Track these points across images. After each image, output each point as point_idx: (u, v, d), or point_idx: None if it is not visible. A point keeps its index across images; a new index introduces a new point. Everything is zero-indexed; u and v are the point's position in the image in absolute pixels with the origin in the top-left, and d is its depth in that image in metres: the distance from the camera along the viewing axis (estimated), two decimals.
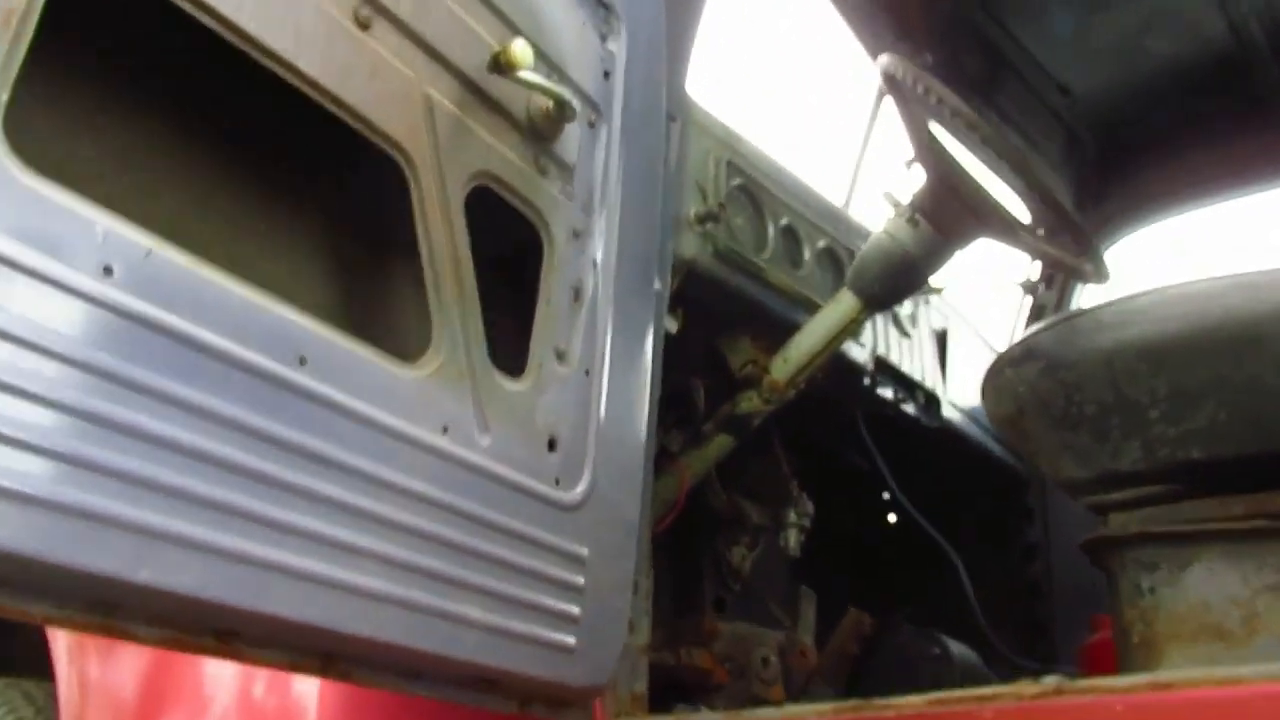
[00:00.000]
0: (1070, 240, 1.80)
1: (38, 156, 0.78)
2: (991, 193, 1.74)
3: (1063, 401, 1.39)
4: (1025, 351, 1.51)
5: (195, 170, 1.09)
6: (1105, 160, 2.74)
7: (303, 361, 0.93)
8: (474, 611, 1.06)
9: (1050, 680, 0.97)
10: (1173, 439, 1.29)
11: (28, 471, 0.73)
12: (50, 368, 0.75)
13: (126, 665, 1.59)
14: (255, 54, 0.94)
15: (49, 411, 0.75)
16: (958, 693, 1.03)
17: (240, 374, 0.88)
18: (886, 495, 2.36)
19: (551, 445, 1.20)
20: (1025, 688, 0.97)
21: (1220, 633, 1.22)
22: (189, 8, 0.89)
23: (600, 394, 1.29)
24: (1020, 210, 1.82)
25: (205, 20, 0.90)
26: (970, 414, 2.35)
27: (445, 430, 1.06)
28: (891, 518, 2.49)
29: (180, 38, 0.93)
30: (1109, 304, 1.46)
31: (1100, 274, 1.75)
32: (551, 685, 1.17)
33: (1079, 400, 1.37)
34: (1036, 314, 2.70)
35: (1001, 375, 1.54)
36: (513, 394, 1.16)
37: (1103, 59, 2.56)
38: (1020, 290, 2.70)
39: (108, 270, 0.80)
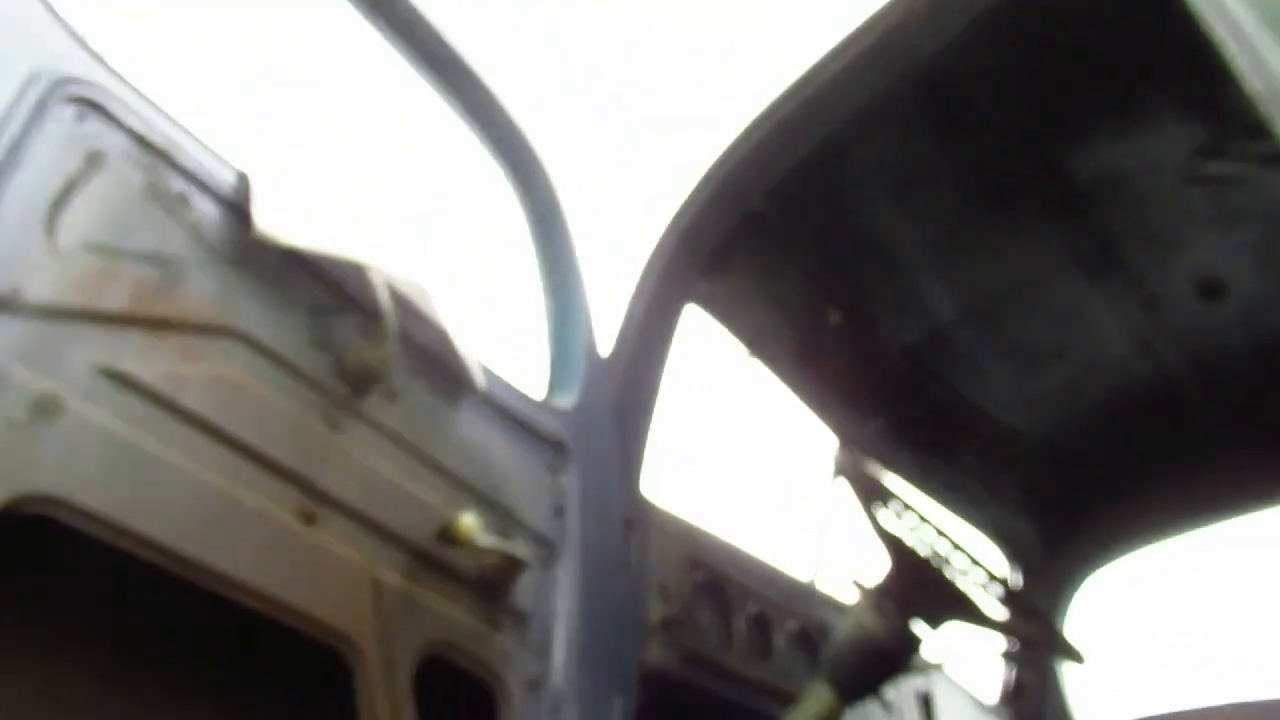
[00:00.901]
0: (1036, 623, 1.79)
1: None
2: (954, 578, 1.75)
3: None
4: None
5: (129, 682, 1.07)
6: (1066, 500, 2.78)
7: None
8: None
9: None
10: None
11: None
12: None
13: None
14: (195, 577, 0.96)
15: None
16: None
17: None
18: None
19: None
20: None
21: None
22: (128, 545, 0.91)
23: None
24: (986, 555, 1.83)
25: (143, 553, 0.92)
26: None
27: None
28: None
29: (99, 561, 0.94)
30: None
31: (1073, 654, 1.73)
32: None
33: None
34: (1019, 688, 2.65)
35: None
36: None
37: (1048, 405, 2.66)
38: (1002, 660, 2.67)
39: None
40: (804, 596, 2.04)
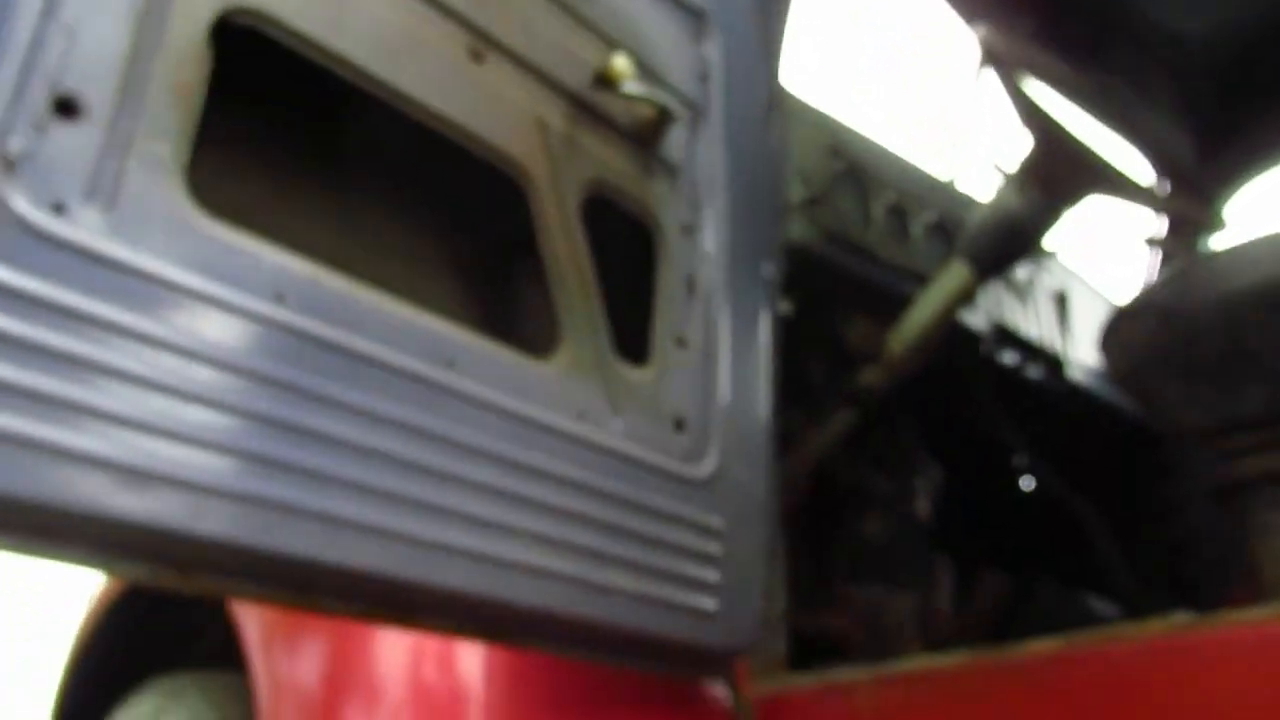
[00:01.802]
0: (1185, 192, 1.79)
1: (209, 201, 0.91)
2: (1100, 151, 1.75)
3: (1181, 352, 1.40)
4: (1142, 305, 1.52)
5: (340, 202, 1.22)
6: (1224, 109, 2.66)
7: (451, 364, 1.05)
8: (621, 581, 1.16)
9: (1180, 616, 1.00)
10: None
11: (228, 471, 0.86)
12: (241, 383, 0.88)
13: (310, 658, 1.74)
14: (387, 96, 1.06)
15: (242, 420, 0.88)
16: (1088, 634, 1.07)
17: (399, 379, 1.00)
18: (1017, 460, 2.37)
19: (679, 426, 1.29)
20: (1154, 625, 1.00)
21: None
22: (325, 61, 1.02)
23: (721, 377, 1.38)
24: (1134, 165, 1.83)
25: (341, 71, 1.03)
26: (1097, 374, 2.33)
27: (581, 417, 1.16)
28: (1024, 483, 2.49)
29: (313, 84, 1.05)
30: (1223, 252, 1.46)
31: (1216, 223, 1.75)
32: (696, 648, 1.26)
33: (1197, 349, 1.38)
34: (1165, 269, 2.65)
35: (1119, 331, 1.55)
36: (639, 381, 1.26)
37: (1213, 5, 2.50)
38: (1146, 246, 2.66)
39: (281, 297, 0.93)
40: (942, 193, 2.08)
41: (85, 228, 0.80)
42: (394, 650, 1.60)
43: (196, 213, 0.88)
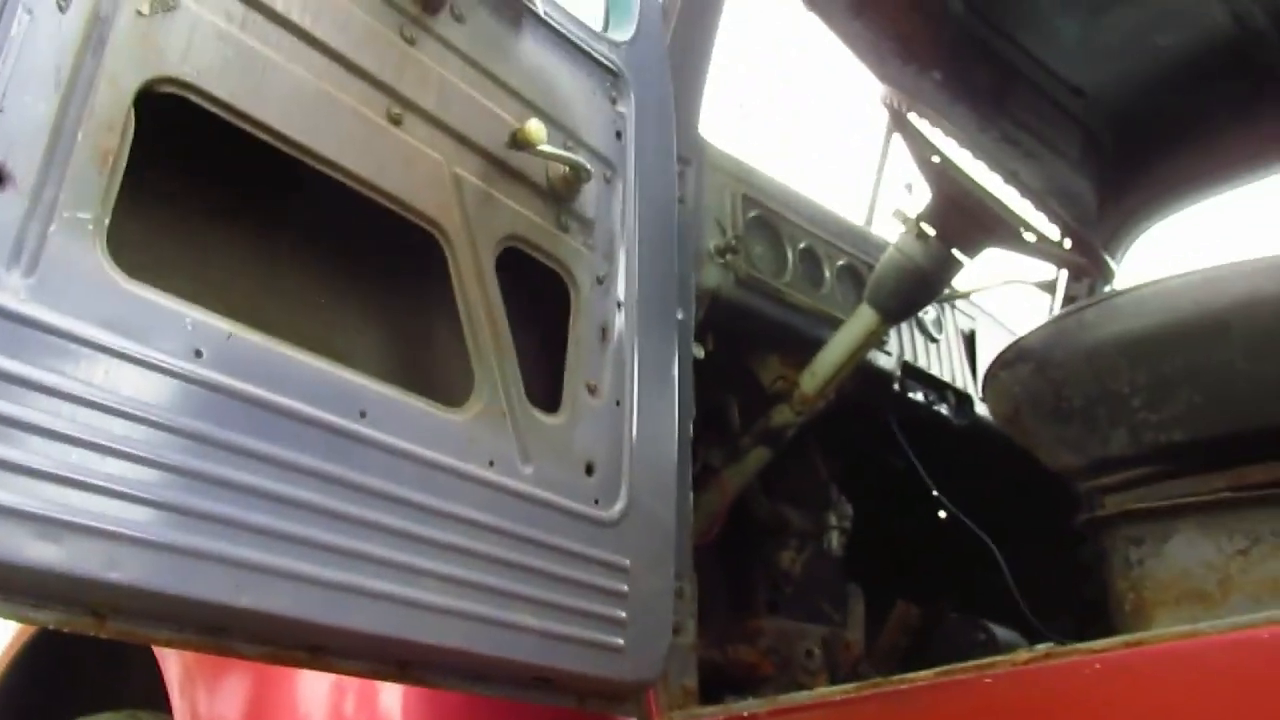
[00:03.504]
0: (1082, 245, 1.90)
1: (132, 262, 0.96)
2: (1000, 203, 1.85)
3: (1053, 398, 1.50)
4: (1017, 354, 1.62)
5: (262, 260, 1.27)
6: (1124, 156, 2.81)
7: (363, 414, 1.10)
8: (529, 619, 1.21)
9: (1041, 647, 1.09)
10: (1155, 424, 1.40)
11: (142, 520, 0.91)
12: (156, 436, 0.92)
13: (231, 696, 1.75)
14: (305, 158, 1.12)
15: (157, 471, 0.92)
16: (961, 664, 1.15)
17: (312, 429, 1.05)
18: (928, 494, 2.46)
19: (589, 470, 1.35)
20: (1020, 655, 1.09)
21: (1200, 596, 1.33)
22: (246, 126, 1.07)
23: (631, 421, 1.44)
24: (1033, 218, 1.93)
25: (260, 135, 1.08)
26: None
27: (492, 464, 1.22)
28: (940, 515, 2.58)
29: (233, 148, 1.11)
30: (1090, 303, 1.57)
31: (1109, 273, 1.86)
32: (604, 681, 1.32)
33: (1067, 395, 1.48)
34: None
35: (997, 378, 1.65)
36: (550, 427, 1.32)
37: (1112, 58, 2.64)
38: (1041, 291, 2.79)
39: (198, 353, 0.98)
40: (854, 237, 2.18)
41: (9, 291, 0.84)
42: (314, 689, 1.63)
43: (116, 274, 0.93)
